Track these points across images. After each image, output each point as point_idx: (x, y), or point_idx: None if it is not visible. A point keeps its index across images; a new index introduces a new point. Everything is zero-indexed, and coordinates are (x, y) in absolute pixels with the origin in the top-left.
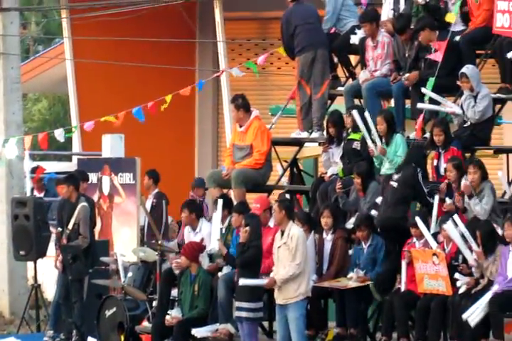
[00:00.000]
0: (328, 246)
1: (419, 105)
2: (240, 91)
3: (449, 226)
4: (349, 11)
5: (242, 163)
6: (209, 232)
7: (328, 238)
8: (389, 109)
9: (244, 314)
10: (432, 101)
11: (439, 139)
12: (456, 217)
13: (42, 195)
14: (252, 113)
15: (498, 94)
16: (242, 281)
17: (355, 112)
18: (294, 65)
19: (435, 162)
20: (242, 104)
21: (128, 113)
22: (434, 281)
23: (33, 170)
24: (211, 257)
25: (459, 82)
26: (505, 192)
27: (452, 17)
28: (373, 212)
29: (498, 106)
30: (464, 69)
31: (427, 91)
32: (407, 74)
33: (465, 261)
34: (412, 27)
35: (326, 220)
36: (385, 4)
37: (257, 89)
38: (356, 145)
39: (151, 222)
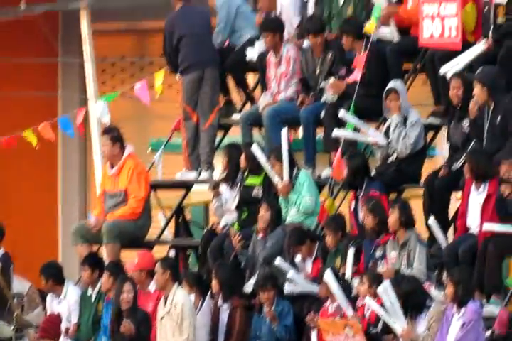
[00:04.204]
0: (224, 316)
1: (336, 132)
2: (114, 122)
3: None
4: (245, 19)
5: (116, 213)
6: (77, 299)
7: (224, 307)
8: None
9: None
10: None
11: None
12: (387, 283)
13: None
14: (125, 150)
15: (430, 119)
16: None
17: (255, 147)
18: (179, 88)
19: (352, 204)
20: (118, 136)
21: None
22: None
23: None
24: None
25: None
26: (434, 242)
27: (371, 27)
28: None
29: (429, 135)
30: (391, 85)
31: (344, 113)
32: (331, 79)
33: (387, 329)
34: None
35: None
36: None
37: (133, 119)
38: (257, 192)
39: (5, 288)
